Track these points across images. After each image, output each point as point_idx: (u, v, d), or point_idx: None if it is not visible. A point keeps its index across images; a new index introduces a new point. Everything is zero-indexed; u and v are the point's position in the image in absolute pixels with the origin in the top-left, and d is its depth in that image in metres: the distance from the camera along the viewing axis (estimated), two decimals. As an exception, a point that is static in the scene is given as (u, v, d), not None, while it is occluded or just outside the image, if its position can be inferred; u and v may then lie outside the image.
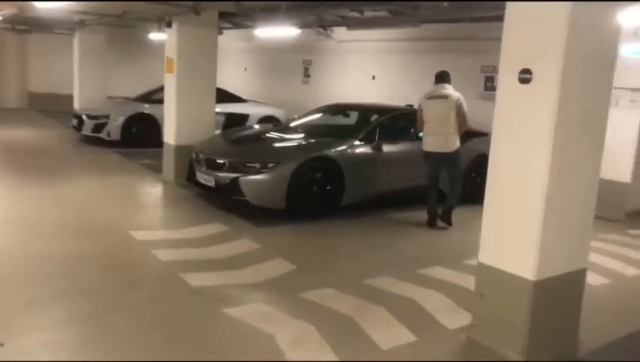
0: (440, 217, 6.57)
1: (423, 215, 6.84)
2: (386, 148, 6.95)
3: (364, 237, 6.06)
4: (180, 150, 7.84)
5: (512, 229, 3.48)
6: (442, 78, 6.54)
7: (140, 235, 5.42)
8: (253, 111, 11.95)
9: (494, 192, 3.64)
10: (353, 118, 8.04)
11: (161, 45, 15.88)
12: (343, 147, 6.60)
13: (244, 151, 6.63)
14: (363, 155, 6.75)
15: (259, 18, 10.63)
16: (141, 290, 4.21)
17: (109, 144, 10.52)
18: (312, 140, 6.71)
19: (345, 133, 6.97)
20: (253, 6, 6.41)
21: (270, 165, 6.14)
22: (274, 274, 4.65)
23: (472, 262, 5.27)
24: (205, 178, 6.56)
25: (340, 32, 12.23)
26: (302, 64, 13.87)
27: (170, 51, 7.84)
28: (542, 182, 3.29)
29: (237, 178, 6.16)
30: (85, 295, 4.04)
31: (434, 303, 4.27)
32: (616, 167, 7.62)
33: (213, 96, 8.11)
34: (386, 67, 11.51)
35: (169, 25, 7.74)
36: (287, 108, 12.77)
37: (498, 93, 3.59)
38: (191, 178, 7.03)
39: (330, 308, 4.04)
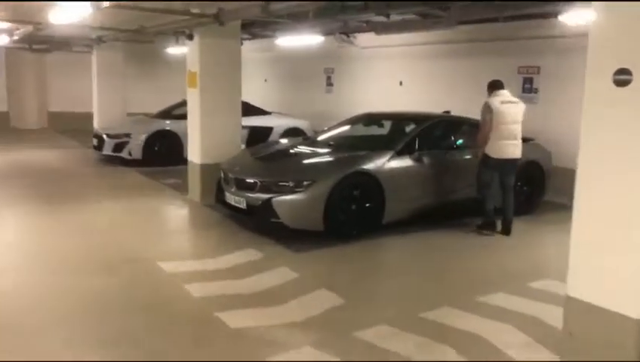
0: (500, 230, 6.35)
1: (469, 229, 6.45)
2: (427, 159, 6.45)
3: (411, 258, 5.55)
4: (206, 169, 7.42)
5: (615, 260, 2.93)
6: (501, 85, 6.36)
7: (169, 267, 4.97)
8: (277, 123, 11.53)
9: (588, 215, 3.09)
10: (388, 128, 7.54)
11: (179, 60, 15.72)
12: (382, 160, 6.10)
13: (275, 170, 6.16)
14: (403, 168, 6.24)
15: (279, 27, 10.27)
16: (174, 335, 3.75)
17: (131, 163, 10.16)
18: (347, 154, 6.21)
19: (381, 145, 6.46)
20: (281, 10, 5.95)
21: (305, 183, 5.66)
22: (319, 309, 4.15)
23: (536, 285, 4.76)
24: (235, 199, 6.10)
25: (363, 38, 11.78)
26: (324, 72, 13.42)
27: (192, 65, 7.44)
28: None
29: (270, 199, 5.69)
30: (116, 342, 3.59)
31: (504, 337, 3.73)
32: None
33: (238, 110, 7.68)
34: (413, 72, 11.00)
35: (190, 37, 7.35)
36: (311, 118, 12.35)
37: (586, 99, 3.06)
38: (220, 199, 6.59)
39: (390, 351, 3.53)
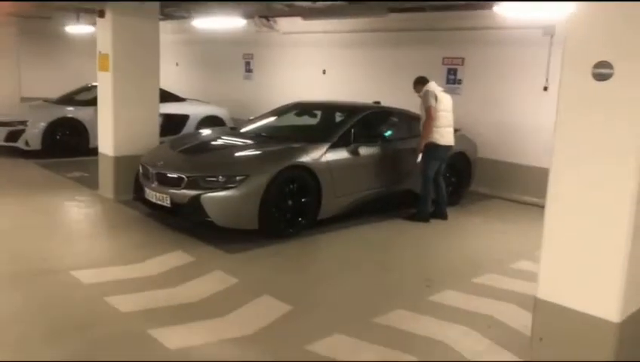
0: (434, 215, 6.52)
1: (403, 220, 6.42)
2: (364, 150, 6.22)
3: (353, 256, 5.28)
4: (121, 162, 6.71)
5: (587, 260, 2.81)
6: (427, 80, 6.53)
7: (86, 277, 4.34)
8: (194, 111, 10.83)
9: (560, 215, 2.95)
10: (318, 118, 7.24)
11: (81, 39, 14.45)
12: (318, 153, 5.77)
13: (203, 164, 5.62)
14: (340, 161, 5.96)
15: (195, 7, 9.58)
16: None
17: (28, 155, 9.06)
18: (282, 146, 5.81)
19: (316, 137, 6.12)
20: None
21: (238, 179, 5.20)
22: (266, 319, 3.76)
23: (481, 280, 4.69)
24: (158, 196, 5.52)
25: (284, 24, 11.37)
26: (242, 58, 12.83)
27: (104, 45, 6.65)
28: (628, 204, 2.64)
29: (198, 196, 5.18)
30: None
31: (468, 343, 3.57)
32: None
33: (156, 97, 7.00)
34: (337, 61, 10.74)
35: (101, 14, 6.55)
36: (228, 106, 11.77)
37: (561, 93, 2.90)
38: (138, 196, 5.95)
39: (349, 365, 3.24)
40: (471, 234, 6.19)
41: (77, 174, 8.10)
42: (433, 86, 6.34)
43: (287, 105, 7.40)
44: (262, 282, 4.43)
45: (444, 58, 9.00)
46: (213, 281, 4.38)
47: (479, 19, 8.19)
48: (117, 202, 6.64)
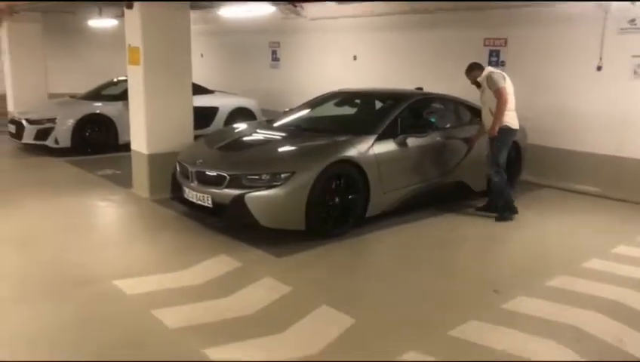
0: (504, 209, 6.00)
1: (462, 214, 6.08)
2: (411, 141, 5.82)
3: (408, 256, 4.92)
4: (155, 160, 6.42)
5: None
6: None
7: (129, 287, 4.05)
8: (222, 103, 10.53)
9: None
10: (362, 107, 6.85)
11: (104, 34, 14.24)
12: (365, 146, 5.40)
13: (245, 161, 5.27)
14: (388, 154, 5.58)
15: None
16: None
17: (59, 152, 8.87)
18: (327, 140, 5.43)
19: (360, 128, 5.73)
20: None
21: (283, 176, 4.86)
22: (329, 335, 3.41)
23: (554, 283, 4.26)
24: (198, 196, 5.21)
25: (311, 9, 10.94)
26: (268, 47, 12.45)
27: (134, 38, 6.34)
28: None
29: (242, 195, 4.85)
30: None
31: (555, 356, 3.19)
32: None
33: (189, 91, 6.69)
34: (368, 46, 10.29)
35: (130, 6, 6.23)
36: (256, 96, 11.43)
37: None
38: (176, 195, 5.66)
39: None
40: (530, 229, 5.76)
41: (109, 172, 7.86)
42: (498, 72, 5.93)
43: (326, 94, 7.01)
44: (317, 290, 4.10)
45: (485, 39, 8.50)
46: (264, 290, 4.06)
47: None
48: (152, 201, 6.36)
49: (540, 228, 5.76)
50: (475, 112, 6.72)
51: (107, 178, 7.54)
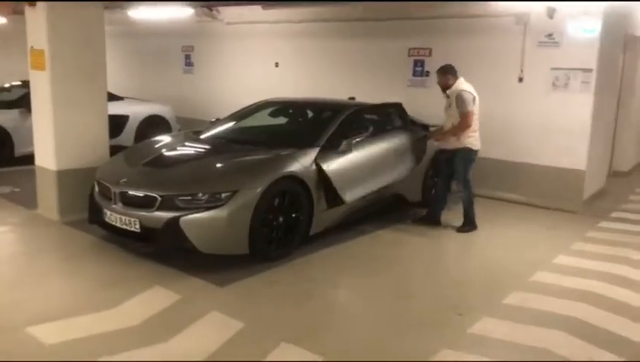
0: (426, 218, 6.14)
1: (404, 225, 5.96)
2: (354, 153, 5.55)
3: (364, 276, 4.62)
4: (65, 176, 5.68)
5: None
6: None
7: (48, 335, 3.40)
8: (134, 110, 9.74)
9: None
10: (297, 118, 6.50)
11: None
12: (308, 159, 5.05)
13: (178, 178, 4.73)
14: (331, 167, 5.27)
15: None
16: None
17: (-60, 168, 7.70)
18: (269, 154, 5.02)
19: (300, 141, 5.38)
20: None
21: (224, 196, 4.39)
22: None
23: (511, 300, 4.16)
24: (123, 219, 4.59)
25: (228, 13, 10.46)
26: (181, 51, 11.75)
27: (37, 40, 5.54)
28: None
29: (177, 218, 4.32)
30: None
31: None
32: (572, 154, 7.13)
33: (104, 98, 5.97)
34: (292, 53, 9.96)
35: (32, 3, 5.43)
36: (169, 103, 10.71)
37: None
38: (95, 218, 4.98)
39: None
40: (471, 242, 5.72)
41: (6, 190, 6.90)
42: (467, 85, 5.77)
43: (256, 103, 6.58)
44: (272, 324, 3.68)
45: (409, 49, 8.49)
46: (213, 328, 3.59)
47: (447, 7, 7.75)
48: (64, 224, 5.60)
49: (480, 241, 5.74)
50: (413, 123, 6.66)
51: (4, 197, 6.60)
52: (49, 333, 3.43)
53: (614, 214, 7.11)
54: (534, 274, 4.81)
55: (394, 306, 4.08)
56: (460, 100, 5.63)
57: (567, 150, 7.14)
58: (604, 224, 6.59)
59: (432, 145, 6.74)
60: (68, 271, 4.51)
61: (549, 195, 7.23)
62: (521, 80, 7.45)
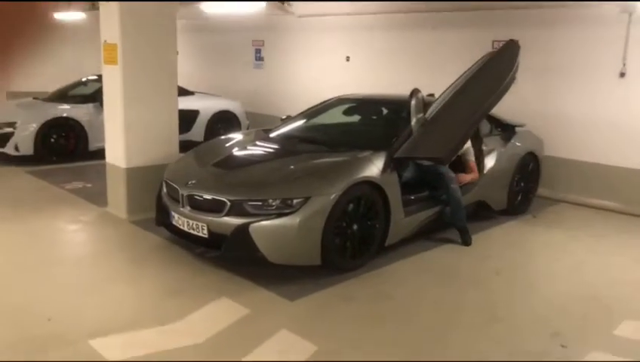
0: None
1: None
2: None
3: (442, 293, 4.17)
4: (135, 174, 5.56)
5: None
6: None
7: (111, 349, 3.20)
8: (204, 105, 9.65)
9: None
10: (372, 117, 6.09)
11: (73, 28, 13.08)
12: (383, 162, 4.63)
13: (247, 181, 4.44)
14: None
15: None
16: None
17: (19, 161, 7.85)
18: (344, 157, 4.65)
19: (375, 141, 4.98)
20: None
21: (296, 202, 4.07)
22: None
23: (622, 332, 3.58)
24: (190, 224, 4.36)
25: (301, 6, 10.15)
26: (252, 45, 11.59)
27: (110, 34, 5.44)
28: None
29: (246, 225, 4.04)
30: None
31: None
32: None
33: (174, 94, 5.81)
34: (363, 46, 9.54)
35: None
36: (239, 98, 10.58)
37: None
38: (162, 221, 4.80)
39: None
40: (566, 256, 5.12)
41: (78, 185, 6.92)
42: None
43: (329, 100, 6.21)
44: (349, 347, 3.31)
45: (494, 41, 7.84)
46: (283, 349, 3.26)
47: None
48: (131, 223, 5.48)
49: (575, 255, 5.12)
50: (497, 123, 6.13)
51: (76, 193, 6.60)
52: (111, 347, 3.22)
53: None
54: (646, 298, 4.18)
55: (485, 331, 3.60)
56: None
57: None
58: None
59: (519, 148, 6.19)
60: (134, 276, 4.32)
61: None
62: (622, 75, 6.68)
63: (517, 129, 6.32)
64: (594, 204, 6.83)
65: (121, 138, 5.52)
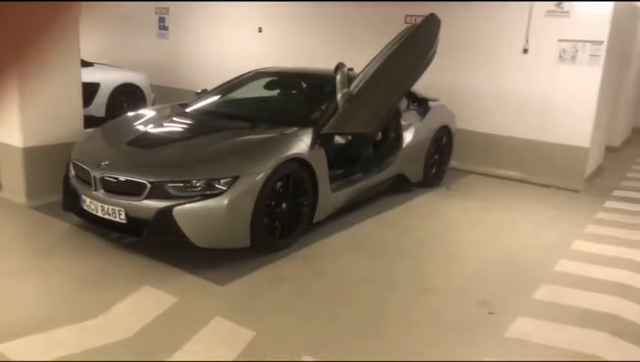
0: None
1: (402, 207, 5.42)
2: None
3: (371, 268, 4.17)
4: (34, 154, 5.01)
5: None
6: None
7: (19, 354, 2.84)
8: (104, 77, 8.92)
9: None
10: (294, 91, 5.92)
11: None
12: (310, 138, 4.53)
13: (168, 161, 4.14)
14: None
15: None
16: None
17: None
18: (271, 133, 4.48)
19: (300, 117, 4.86)
20: None
21: (224, 182, 3.85)
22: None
23: (542, 296, 3.83)
24: (106, 209, 4.00)
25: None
26: (154, 13, 10.90)
27: None
28: None
29: (169, 208, 3.77)
30: None
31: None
32: (576, 131, 6.81)
33: (76, 60, 5.27)
34: (277, 18, 9.29)
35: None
36: (142, 70, 9.93)
37: None
38: (71, 206, 4.37)
39: None
40: (482, 225, 5.35)
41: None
42: None
43: (248, 73, 5.96)
44: (286, 333, 3.21)
45: (406, 16, 7.94)
46: (221, 339, 3.09)
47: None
48: (33, 208, 4.96)
49: (490, 224, 5.38)
50: (414, 98, 6.23)
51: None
52: (20, 351, 2.87)
53: (616, 193, 6.89)
54: (557, 262, 4.48)
55: (418, 303, 3.66)
56: None
57: (571, 126, 6.82)
58: (609, 204, 6.35)
59: (434, 122, 6.35)
60: (42, 269, 3.89)
61: (550, 173, 6.95)
62: (525, 51, 7.03)
63: (431, 103, 6.46)
64: (501, 174, 7.22)
65: (16, 113, 4.91)
